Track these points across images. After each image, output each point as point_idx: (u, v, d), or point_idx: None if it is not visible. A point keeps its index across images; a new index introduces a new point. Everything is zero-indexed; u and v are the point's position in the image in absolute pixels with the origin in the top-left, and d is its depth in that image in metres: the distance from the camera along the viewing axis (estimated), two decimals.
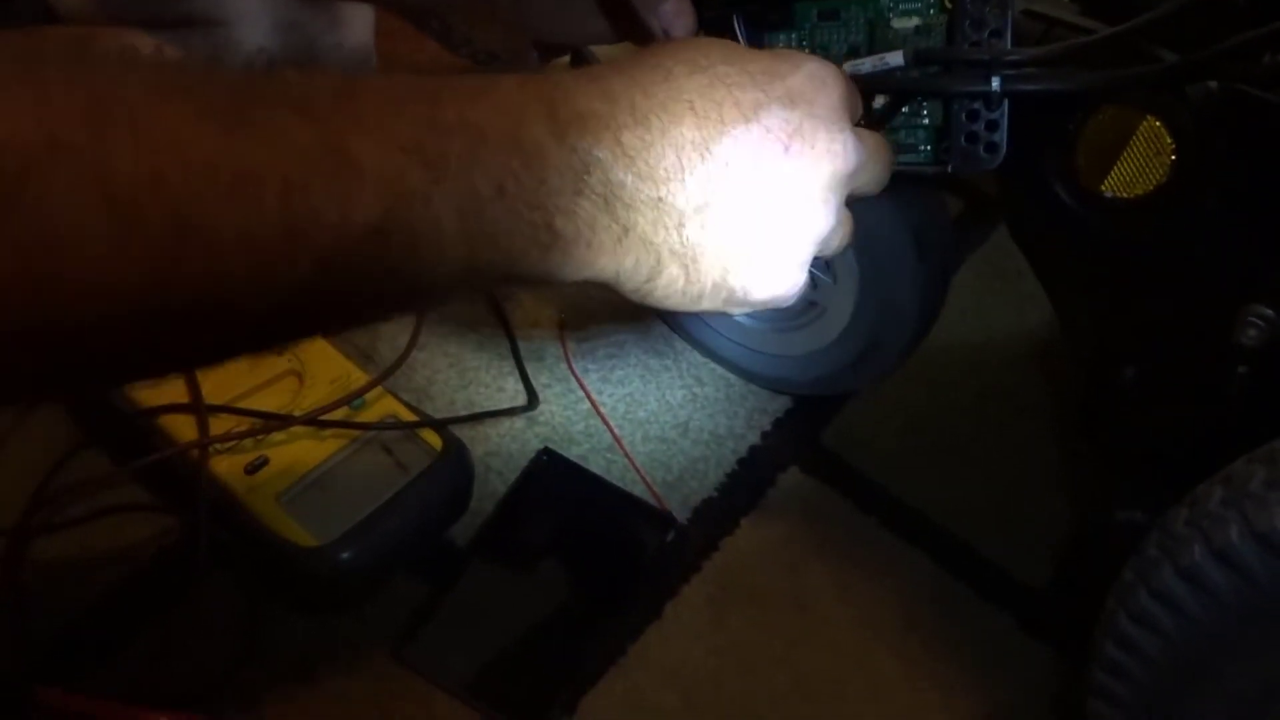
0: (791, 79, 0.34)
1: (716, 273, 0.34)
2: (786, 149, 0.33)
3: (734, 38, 0.45)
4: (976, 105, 0.40)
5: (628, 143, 0.31)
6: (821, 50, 0.44)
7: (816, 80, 0.35)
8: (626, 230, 0.32)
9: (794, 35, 0.45)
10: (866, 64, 0.42)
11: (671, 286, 0.34)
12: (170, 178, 0.24)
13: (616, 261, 0.33)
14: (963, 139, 0.41)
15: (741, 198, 0.33)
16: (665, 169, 0.32)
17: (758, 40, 0.45)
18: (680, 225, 0.33)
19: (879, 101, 0.43)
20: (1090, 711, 0.40)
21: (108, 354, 0.26)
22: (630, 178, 0.32)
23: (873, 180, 0.38)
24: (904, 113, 0.43)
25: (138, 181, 0.24)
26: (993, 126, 0.40)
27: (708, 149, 0.32)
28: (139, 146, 0.24)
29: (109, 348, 0.25)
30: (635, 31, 0.46)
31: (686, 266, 0.34)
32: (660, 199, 0.32)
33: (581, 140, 0.31)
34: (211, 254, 0.25)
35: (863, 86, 0.42)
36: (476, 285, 0.33)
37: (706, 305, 0.36)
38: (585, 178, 0.31)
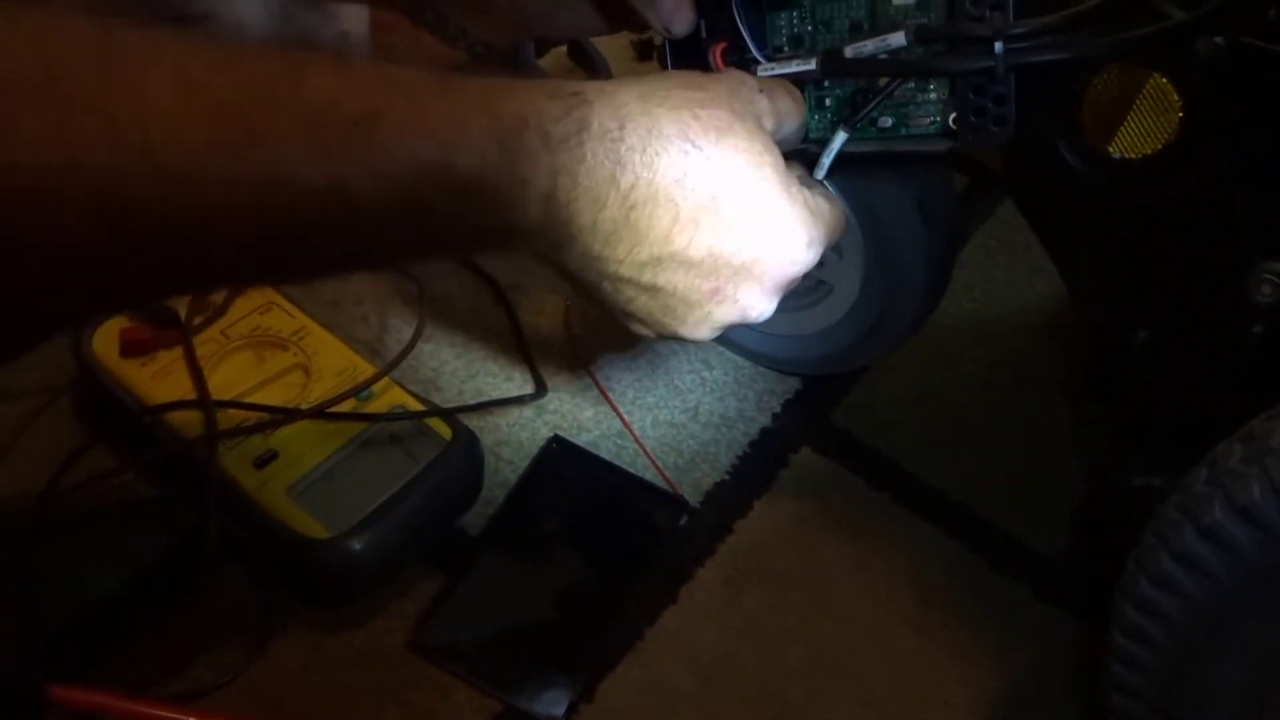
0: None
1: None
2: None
3: (732, 20, 0.45)
4: (983, 79, 0.40)
5: (607, 212, 0.34)
6: (823, 26, 0.44)
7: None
8: (572, 256, 0.36)
9: (795, 14, 0.45)
10: (869, 45, 0.41)
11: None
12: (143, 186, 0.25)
13: (565, 269, 0.37)
14: (971, 114, 0.41)
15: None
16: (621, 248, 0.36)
17: (758, 20, 0.45)
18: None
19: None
20: (1111, 676, 0.40)
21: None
22: (595, 226, 0.35)
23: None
24: (910, 89, 0.42)
25: (110, 186, 0.25)
26: (1001, 100, 0.40)
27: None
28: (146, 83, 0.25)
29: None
30: (631, 19, 0.46)
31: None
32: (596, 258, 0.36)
33: (568, 202, 0.34)
34: (186, 251, 0.27)
35: (866, 69, 0.42)
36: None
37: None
38: (558, 222, 0.34)
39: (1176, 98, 0.38)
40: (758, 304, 0.39)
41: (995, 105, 0.40)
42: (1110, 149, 0.40)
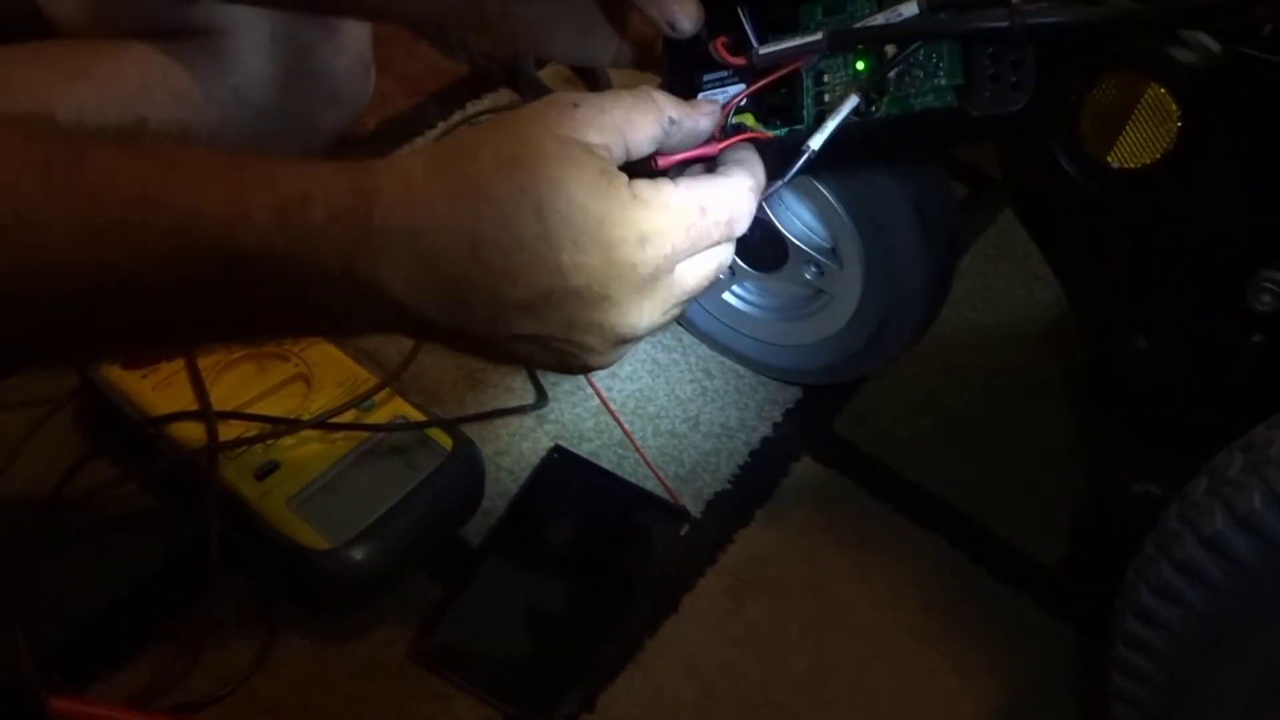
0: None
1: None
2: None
3: (741, 32, 0.44)
4: (998, 46, 0.38)
5: (418, 277, 0.33)
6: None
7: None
8: (424, 330, 0.35)
9: (799, 36, 0.44)
10: (879, 17, 0.40)
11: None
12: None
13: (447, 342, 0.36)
14: (988, 78, 0.39)
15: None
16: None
17: (762, 37, 0.44)
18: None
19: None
20: (1113, 686, 0.40)
21: None
22: (415, 292, 0.33)
23: (707, 251, 0.38)
24: (921, 63, 0.40)
25: None
26: (1018, 65, 0.38)
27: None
28: None
29: None
30: (639, 33, 0.45)
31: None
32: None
33: (371, 272, 0.33)
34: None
35: (875, 35, 0.40)
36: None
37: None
38: (370, 296, 0.33)
39: (1175, 107, 0.38)
40: (629, 317, 0.36)
41: (1012, 69, 0.38)
42: (1109, 158, 0.40)
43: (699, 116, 0.39)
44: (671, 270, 0.36)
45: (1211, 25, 0.37)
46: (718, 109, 0.40)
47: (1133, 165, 0.40)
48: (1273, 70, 0.36)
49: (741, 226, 0.38)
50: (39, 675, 0.42)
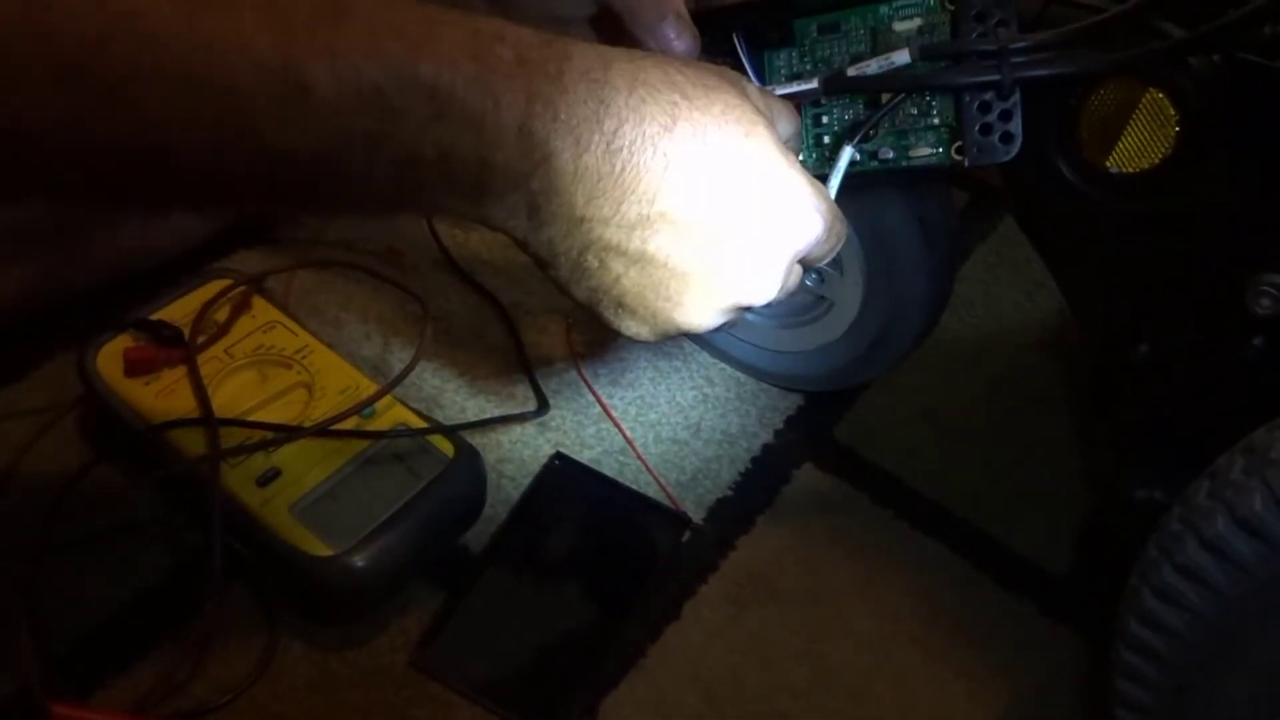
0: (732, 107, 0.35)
1: (641, 312, 0.36)
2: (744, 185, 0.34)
3: (735, 57, 0.45)
4: (988, 96, 0.40)
5: (590, 156, 0.32)
6: (824, 65, 0.44)
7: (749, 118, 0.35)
8: (556, 257, 0.34)
9: (794, 52, 0.45)
10: (873, 64, 0.41)
11: (606, 307, 0.36)
12: (117, 46, 0.25)
13: (549, 244, 0.34)
14: (977, 131, 0.40)
15: (683, 232, 0.34)
16: (611, 216, 0.33)
17: (758, 59, 0.45)
18: (605, 259, 0.34)
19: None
20: (1117, 692, 0.39)
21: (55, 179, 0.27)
22: (576, 212, 0.32)
23: (826, 257, 0.39)
24: (914, 113, 0.42)
25: (85, 42, 0.25)
26: (1007, 116, 0.40)
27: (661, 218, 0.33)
28: (94, 8, 0.25)
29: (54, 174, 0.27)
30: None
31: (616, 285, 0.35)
32: (596, 243, 0.33)
33: (546, 136, 0.31)
34: (145, 127, 0.26)
35: (869, 84, 0.42)
36: (398, 214, 0.35)
37: (641, 332, 0.37)
38: (527, 181, 0.31)
39: (1173, 112, 0.38)
40: (764, 278, 0.35)
41: (1001, 121, 0.40)
42: (1108, 164, 0.40)
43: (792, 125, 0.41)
44: (794, 260, 0.37)
45: (1203, 54, 0.38)
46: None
47: (1131, 170, 0.40)
48: (1270, 75, 0.36)
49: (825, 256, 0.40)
50: (42, 682, 0.42)
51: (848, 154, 0.43)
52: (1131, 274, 0.42)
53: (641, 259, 0.34)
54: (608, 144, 0.31)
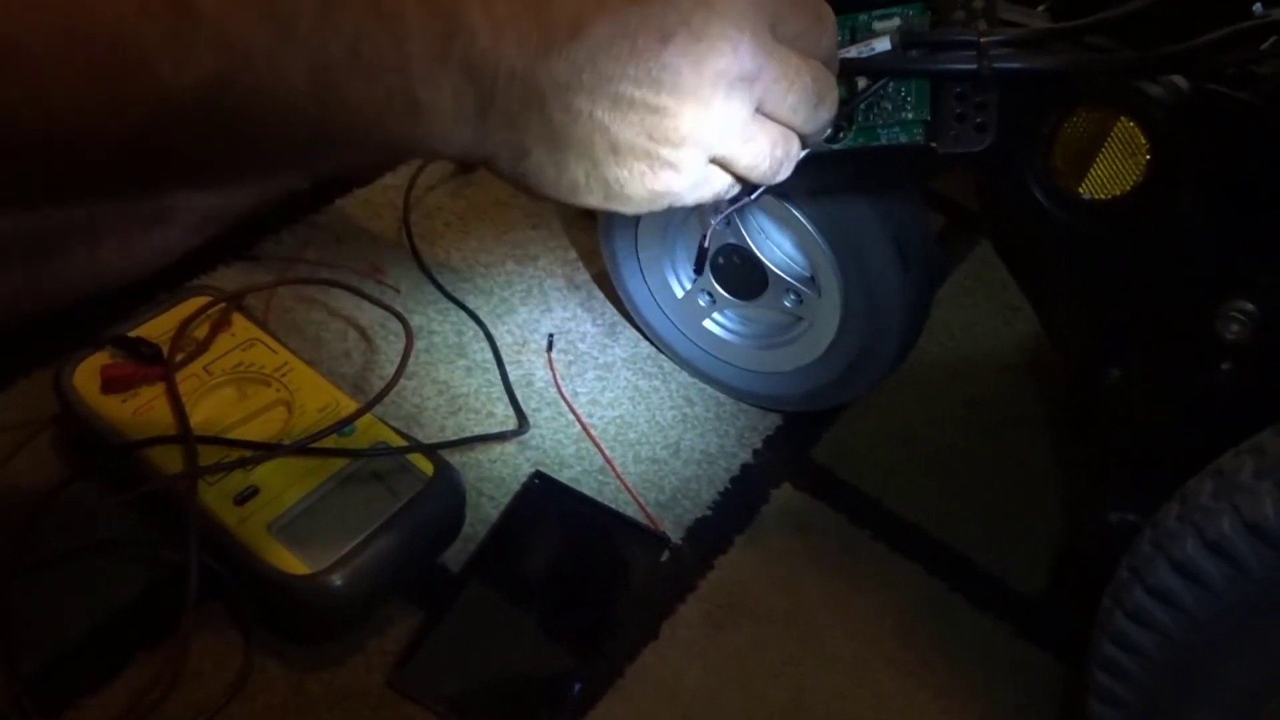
0: None
1: (585, 163, 0.32)
2: (666, 39, 0.31)
3: None
4: (965, 87, 0.40)
5: (497, 11, 0.29)
6: None
7: None
8: (490, 103, 0.30)
9: None
10: (852, 50, 0.41)
11: (541, 174, 0.32)
12: None
13: (482, 138, 0.31)
14: (952, 118, 0.40)
15: (610, 85, 0.31)
16: (532, 44, 0.30)
17: None
18: (543, 106, 0.31)
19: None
20: (1091, 713, 0.40)
21: None
22: (494, 48, 0.29)
23: (791, 106, 0.34)
24: (888, 107, 0.42)
25: None
26: (982, 107, 0.40)
27: (580, 28, 0.30)
28: None
29: None
30: None
31: (552, 152, 0.32)
32: (523, 74, 0.30)
33: (446, 4, 0.29)
34: (32, 93, 0.25)
35: (849, 70, 0.42)
36: (335, 153, 0.31)
37: (586, 199, 0.34)
38: (448, 44, 0.29)
39: (1144, 141, 0.39)
40: (729, 39, 0.32)
41: (977, 111, 0.40)
42: (1081, 190, 0.41)
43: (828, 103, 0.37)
44: (753, 103, 0.33)
45: (1175, 70, 0.38)
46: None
47: (1104, 196, 0.41)
48: (1238, 105, 0.37)
49: (816, 127, 0.36)
50: (14, 702, 0.42)
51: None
52: (1104, 298, 0.43)
53: (653, 105, 0.32)
54: None
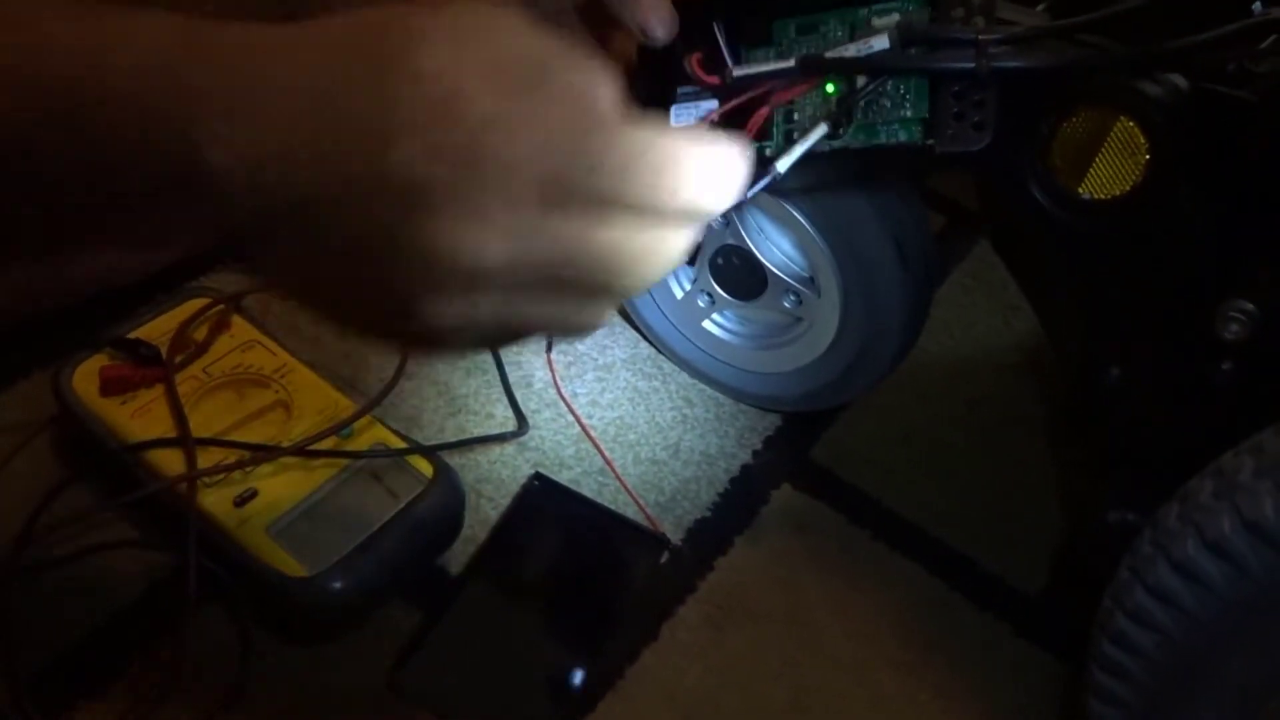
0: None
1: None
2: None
3: (715, 46, 0.45)
4: (963, 85, 0.40)
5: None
6: None
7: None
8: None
9: (772, 51, 0.45)
10: (851, 49, 0.41)
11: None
12: None
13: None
14: (950, 116, 0.40)
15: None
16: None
17: (735, 54, 0.45)
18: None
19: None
20: (1091, 713, 0.40)
21: None
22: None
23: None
24: (887, 105, 0.42)
25: None
26: (980, 105, 0.40)
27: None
28: None
29: None
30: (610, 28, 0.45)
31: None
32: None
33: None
34: None
35: (845, 66, 0.42)
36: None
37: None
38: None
39: (1143, 140, 0.39)
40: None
41: (975, 110, 0.40)
42: (1080, 190, 0.41)
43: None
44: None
45: (1174, 69, 0.38)
46: None
47: (1103, 196, 0.41)
48: (1237, 105, 0.37)
49: (716, 202, 0.28)
50: (14, 705, 0.42)
51: (820, 129, 0.42)
52: (1103, 298, 0.43)
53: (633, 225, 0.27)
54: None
